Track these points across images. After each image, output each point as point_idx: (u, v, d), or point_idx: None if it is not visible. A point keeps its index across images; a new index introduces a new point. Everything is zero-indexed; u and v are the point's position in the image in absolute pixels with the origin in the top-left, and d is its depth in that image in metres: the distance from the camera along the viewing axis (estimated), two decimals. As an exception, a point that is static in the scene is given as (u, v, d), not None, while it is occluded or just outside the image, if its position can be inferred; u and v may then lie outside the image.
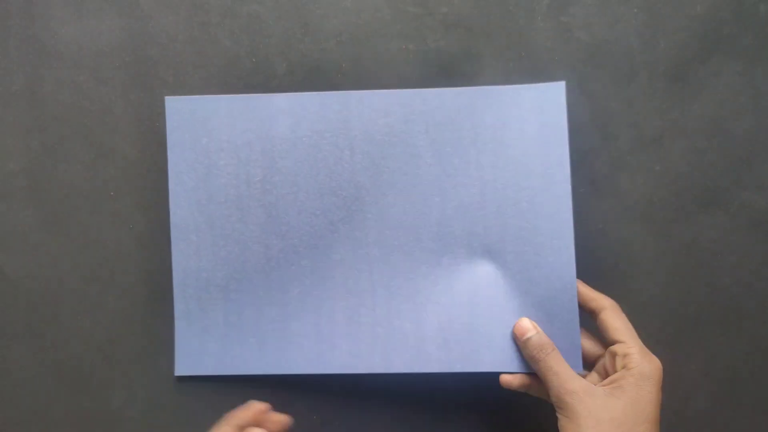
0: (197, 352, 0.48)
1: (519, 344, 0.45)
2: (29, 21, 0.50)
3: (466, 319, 0.46)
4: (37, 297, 0.50)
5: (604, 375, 0.43)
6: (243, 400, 0.46)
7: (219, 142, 0.47)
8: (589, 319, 0.45)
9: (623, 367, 0.41)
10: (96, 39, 0.50)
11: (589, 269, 0.49)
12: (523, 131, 0.46)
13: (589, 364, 0.45)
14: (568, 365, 0.42)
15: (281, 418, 0.45)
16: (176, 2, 0.49)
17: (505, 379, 0.45)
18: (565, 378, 0.42)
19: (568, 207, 0.45)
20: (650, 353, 0.42)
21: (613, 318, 0.43)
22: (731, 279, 0.49)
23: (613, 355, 0.42)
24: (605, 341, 0.44)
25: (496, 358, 0.46)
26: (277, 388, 0.49)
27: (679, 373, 0.49)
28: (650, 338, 0.49)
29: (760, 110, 0.49)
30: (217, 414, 0.49)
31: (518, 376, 0.45)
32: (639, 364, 0.41)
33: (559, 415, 0.41)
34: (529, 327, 0.44)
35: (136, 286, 0.50)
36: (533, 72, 0.49)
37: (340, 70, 0.49)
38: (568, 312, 0.45)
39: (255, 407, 0.44)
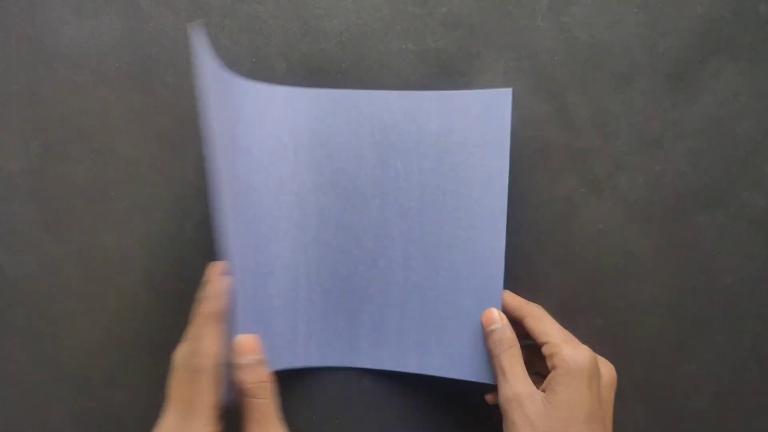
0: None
1: (484, 334, 0.44)
2: (29, 21, 0.50)
3: (396, 321, 0.47)
4: (37, 297, 0.50)
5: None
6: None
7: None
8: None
9: (553, 367, 0.40)
10: (96, 39, 0.50)
11: (589, 269, 0.49)
12: (467, 139, 0.46)
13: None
14: (522, 367, 0.41)
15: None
16: (176, 2, 0.49)
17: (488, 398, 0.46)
18: (511, 380, 0.40)
19: (502, 219, 0.45)
20: (579, 345, 0.40)
21: (536, 321, 0.43)
22: (731, 279, 0.49)
23: (546, 356, 0.41)
24: (538, 348, 0.42)
25: (422, 361, 0.47)
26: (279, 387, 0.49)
27: (679, 373, 0.49)
28: (650, 338, 0.49)
29: (760, 110, 0.49)
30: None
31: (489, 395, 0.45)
32: (565, 360, 0.39)
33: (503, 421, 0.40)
34: (495, 319, 0.44)
35: (136, 286, 0.50)
36: (533, 72, 0.49)
37: (340, 70, 0.49)
38: (494, 293, 0.46)
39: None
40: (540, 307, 0.44)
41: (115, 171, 0.50)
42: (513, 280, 0.49)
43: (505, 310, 0.45)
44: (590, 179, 0.49)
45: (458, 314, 0.46)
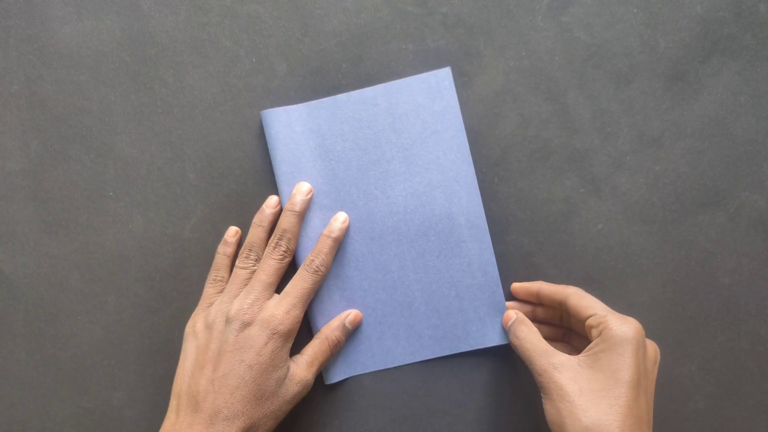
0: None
1: (505, 330, 0.47)
2: (29, 21, 0.50)
3: (409, 316, 0.49)
4: (37, 297, 0.50)
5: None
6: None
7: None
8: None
9: (599, 335, 0.41)
10: (96, 38, 0.50)
11: (589, 269, 0.49)
12: (425, 123, 0.48)
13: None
14: (547, 343, 0.43)
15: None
16: (176, 2, 0.49)
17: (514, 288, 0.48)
18: (542, 354, 0.42)
19: (476, 192, 0.48)
20: (627, 317, 0.41)
21: (580, 298, 0.44)
22: (731, 280, 0.49)
23: (590, 329, 0.42)
24: (581, 322, 0.44)
25: (441, 344, 0.48)
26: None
27: (679, 373, 0.49)
28: (650, 338, 0.49)
29: (760, 110, 0.49)
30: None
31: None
32: (611, 329, 0.40)
33: (542, 395, 0.41)
34: (510, 315, 0.46)
35: (135, 286, 0.50)
36: (533, 72, 0.49)
37: (340, 70, 0.49)
38: (493, 295, 0.48)
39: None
40: (578, 288, 0.45)
41: (115, 171, 0.50)
42: (513, 280, 0.49)
43: (543, 296, 0.46)
44: (590, 179, 0.49)
45: (459, 296, 0.48)
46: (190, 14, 0.49)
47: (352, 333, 0.48)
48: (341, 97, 0.48)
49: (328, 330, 0.47)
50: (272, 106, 0.49)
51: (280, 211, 0.48)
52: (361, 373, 0.49)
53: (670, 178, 0.49)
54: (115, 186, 0.50)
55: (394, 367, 0.49)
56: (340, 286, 0.48)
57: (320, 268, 0.46)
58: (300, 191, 0.47)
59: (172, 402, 0.44)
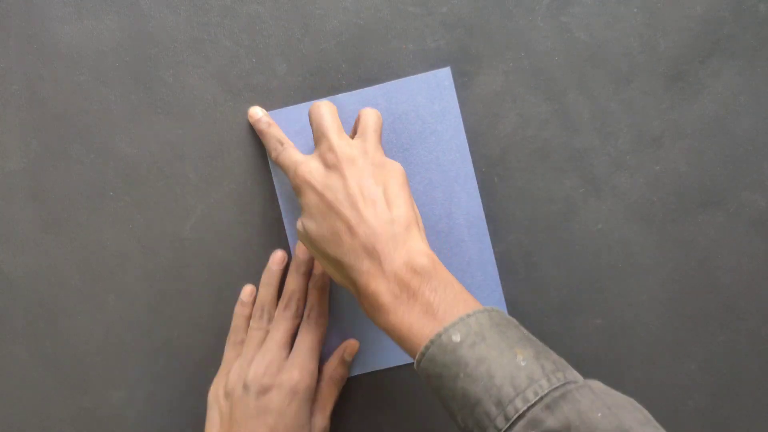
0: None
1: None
2: (29, 21, 0.50)
3: None
4: (37, 297, 0.50)
5: None
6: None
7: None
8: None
9: None
10: (96, 39, 0.50)
11: (589, 269, 0.49)
12: (425, 123, 0.48)
13: None
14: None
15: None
16: (176, 2, 0.49)
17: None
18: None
19: (475, 192, 0.48)
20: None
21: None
22: (731, 279, 0.49)
23: None
24: None
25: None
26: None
27: (679, 372, 0.49)
28: (650, 337, 0.49)
29: (760, 110, 0.49)
30: (217, 414, 0.49)
31: None
32: None
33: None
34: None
35: (135, 286, 0.50)
36: (533, 72, 0.49)
37: (340, 70, 0.49)
38: (493, 295, 0.48)
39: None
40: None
41: (115, 171, 0.50)
42: (513, 280, 0.49)
43: None
44: (590, 179, 0.49)
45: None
46: (190, 14, 0.49)
47: (351, 363, 0.49)
48: (341, 97, 0.48)
49: (331, 369, 0.47)
50: (272, 106, 0.49)
51: (287, 266, 0.48)
52: (361, 373, 0.49)
53: (670, 177, 0.49)
54: (115, 186, 0.50)
55: (394, 367, 0.49)
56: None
57: (319, 319, 0.47)
58: (302, 249, 0.48)
59: None
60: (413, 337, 0.37)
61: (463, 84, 0.49)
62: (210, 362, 0.49)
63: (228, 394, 0.45)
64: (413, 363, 0.48)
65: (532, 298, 0.49)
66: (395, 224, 0.40)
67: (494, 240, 0.49)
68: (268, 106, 0.49)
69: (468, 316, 0.36)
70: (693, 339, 0.49)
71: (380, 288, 0.38)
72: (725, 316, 0.49)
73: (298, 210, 0.49)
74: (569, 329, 0.49)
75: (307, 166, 0.42)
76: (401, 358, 0.49)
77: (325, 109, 0.44)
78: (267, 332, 0.46)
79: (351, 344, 0.48)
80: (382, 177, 0.42)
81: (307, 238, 0.42)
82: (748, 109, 0.49)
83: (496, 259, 0.48)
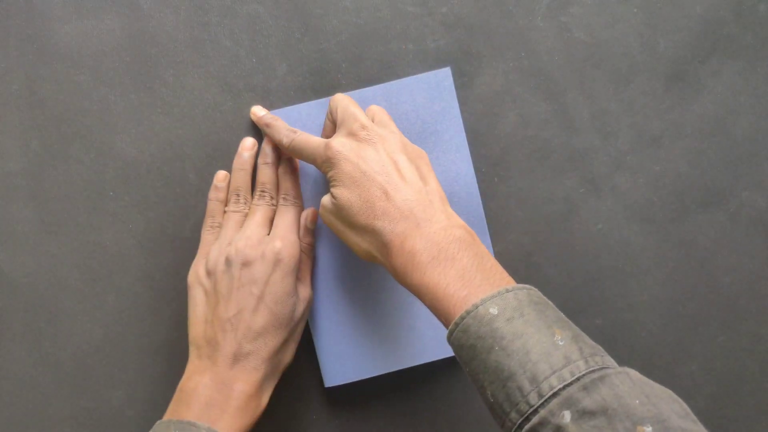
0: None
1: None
2: (29, 21, 0.50)
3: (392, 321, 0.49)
4: (37, 297, 0.50)
5: None
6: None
7: None
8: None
9: None
10: (96, 39, 0.50)
11: (589, 269, 0.49)
12: (425, 123, 0.48)
13: None
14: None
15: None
16: (176, 2, 0.49)
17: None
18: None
19: (475, 192, 0.48)
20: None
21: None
22: (731, 279, 0.49)
23: None
24: None
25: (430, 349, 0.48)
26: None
27: (679, 372, 0.49)
28: (650, 338, 0.49)
29: (760, 110, 0.49)
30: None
31: None
32: None
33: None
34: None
35: (135, 286, 0.50)
36: (533, 72, 0.49)
37: (339, 70, 0.49)
38: None
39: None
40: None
41: (115, 171, 0.50)
42: (513, 280, 0.49)
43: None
44: (590, 179, 0.49)
45: None
46: (190, 14, 0.49)
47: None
48: None
49: (300, 241, 0.47)
50: (272, 106, 0.49)
51: (256, 153, 0.48)
52: (361, 378, 0.48)
53: (670, 177, 0.49)
54: (115, 186, 0.50)
55: (398, 370, 0.49)
56: (340, 287, 0.48)
57: (295, 200, 0.47)
58: (265, 144, 0.48)
59: (192, 351, 0.44)
60: (448, 299, 0.36)
61: (463, 84, 0.49)
62: (210, 362, 0.49)
63: (210, 273, 0.45)
64: (415, 365, 0.48)
65: (532, 298, 0.49)
66: (431, 194, 0.41)
67: (494, 240, 0.49)
68: (268, 106, 0.49)
69: (507, 290, 0.36)
70: (693, 339, 0.49)
71: (417, 246, 0.38)
72: (725, 316, 0.49)
73: None
74: (569, 329, 0.49)
75: (339, 141, 0.42)
76: (401, 363, 0.48)
77: (348, 98, 0.45)
78: (245, 216, 0.47)
79: (311, 212, 0.48)
80: (413, 156, 0.42)
81: (337, 209, 0.41)
82: (748, 108, 0.49)
83: (496, 258, 0.48)
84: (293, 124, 0.48)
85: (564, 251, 0.49)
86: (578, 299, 0.49)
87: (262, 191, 0.47)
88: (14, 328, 0.50)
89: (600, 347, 0.36)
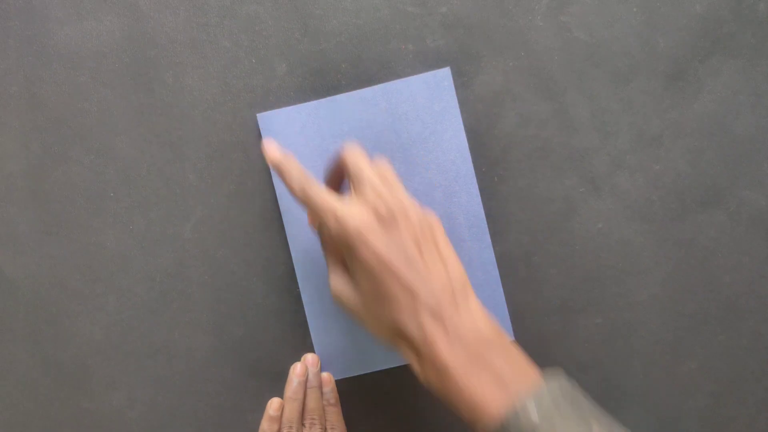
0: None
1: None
2: (29, 21, 0.50)
3: None
4: (37, 297, 0.50)
5: None
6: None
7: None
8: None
9: None
10: (95, 39, 0.50)
11: (589, 268, 0.49)
12: (424, 123, 0.48)
13: None
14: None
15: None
16: (175, 3, 0.49)
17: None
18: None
19: (475, 192, 0.48)
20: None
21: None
22: (731, 278, 0.49)
23: None
24: None
25: None
26: (276, 388, 0.49)
27: (679, 371, 0.49)
28: (650, 337, 0.49)
29: (760, 110, 0.49)
30: (217, 413, 0.49)
31: None
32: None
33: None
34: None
35: (135, 286, 0.50)
36: (533, 72, 0.49)
37: (339, 71, 0.49)
38: (494, 294, 0.48)
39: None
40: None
41: (115, 171, 0.50)
42: (513, 280, 0.49)
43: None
44: (590, 178, 0.49)
45: None
46: (190, 14, 0.49)
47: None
48: (340, 98, 0.48)
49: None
50: (272, 106, 0.49)
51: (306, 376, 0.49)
52: (361, 373, 0.49)
53: (670, 176, 0.49)
54: (115, 186, 0.50)
55: (395, 366, 0.49)
56: None
57: (334, 430, 0.48)
58: (309, 363, 0.49)
59: None
60: (486, 408, 0.35)
61: (462, 84, 0.49)
62: (210, 363, 0.49)
63: None
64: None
65: (532, 298, 0.49)
66: (454, 285, 0.38)
67: (494, 239, 0.49)
68: (268, 106, 0.49)
69: (541, 391, 0.35)
70: (693, 339, 0.49)
71: (446, 351, 0.36)
72: (726, 315, 0.49)
73: (297, 210, 0.49)
74: (569, 329, 0.49)
75: (360, 219, 0.38)
76: (400, 359, 0.49)
77: (360, 152, 0.42)
78: None
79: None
80: (430, 231, 0.40)
81: (355, 299, 0.39)
82: (747, 107, 0.49)
83: (496, 259, 0.48)
84: (293, 125, 0.48)
85: (564, 251, 0.49)
86: (578, 299, 0.49)
87: (312, 420, 0.47)
88: (15, 329, 0.50)
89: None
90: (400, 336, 0.38)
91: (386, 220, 0.38)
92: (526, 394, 0.35)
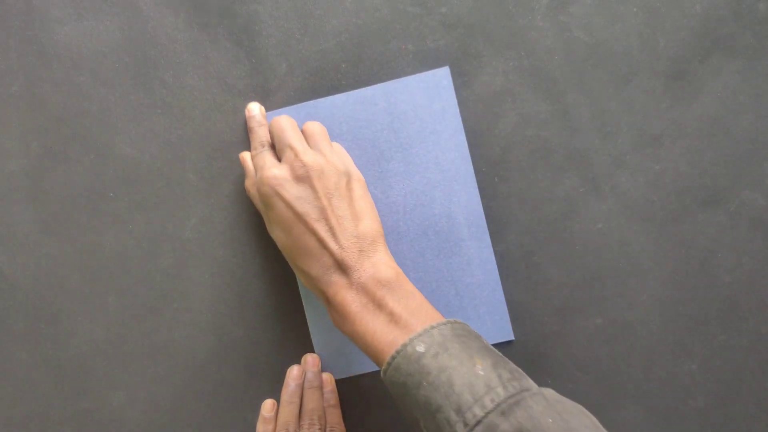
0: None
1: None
2: (29, 21, 0.50)
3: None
4: (37, 297, 0.50)
5: None
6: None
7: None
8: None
9: None
10: (96, 39, 0.50)
11: (589, 268, 0.49)
12: (424, 122, 0.48)
13: None
14: None
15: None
16: (175, 3, 0.49)
17: None
18: None
19: (475, 191, 0.48)
20: None
21: None
22: (731, 278, 0.49)
23: None
24: None
25: None
26: (276, 388, 0.49)
27: (679, 371, 0.49)
28: (650, 337, 0.49)
29: (760, 109, 0.49)
30: (217, 413, 0.49)
31: None
32: None
33: None
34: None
35: (135, 286, 0.50)
36: (533, 72, 0.49)
37: (339, 70, 0.49)
38: (493, 294, 0.48)
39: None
40: None
41: (115, 171, 0.50)
42: (513, 280, 0.49)
43: None
44: (590, 179, 0.49)
45: (455, 295, 0.48)
46: (190, 14, 0.49)
47: None
48: (340, 97, 0.48)
49: None
50: (272, 106, 0.49)
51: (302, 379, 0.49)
52: (361, 372, 0.49)
53: (670, 176, 0.49)
54: (115, 186, 0.50)
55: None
56: None
57: (334, 430, 0.47)
58: (309, 363, 0.49)
59: None
60: (378, 345, 0.39)
61: (462, 84, 0.49)
62: (210, 363, 0.49)
63: None
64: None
65: (532, 298, 0.49)
66: (363, 239, 0.42)
67: (494, 239, 0.49)
68: (268, 106, 0.49)
69: (432, 327, 0.38)
70: (693, 339, 0.49)
71: (348, 298, 0.41)
72: (726, 315, 0.49)
73: None
74: (569, 329, 0.49)
75: (277, 177, 0.43)
76: None
77: (285, 121, 0.46)
78: None
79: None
80: (347, 188, 0.44)
81: (278, 245, 0.44)
82: (748, 107, 0.49)
83: (496, 259, 0.48)
84: None
85: (564, 251, 0.49)
86: (578, 299, 0.49)
87: (311, 420, 0.47)
88: (15, 329, 0.50)
89: (519, 370, 0.38)
90: (312, 281, 0.42)
91: (300, 177, 0.42)
92: (417, 331, 0.38)
